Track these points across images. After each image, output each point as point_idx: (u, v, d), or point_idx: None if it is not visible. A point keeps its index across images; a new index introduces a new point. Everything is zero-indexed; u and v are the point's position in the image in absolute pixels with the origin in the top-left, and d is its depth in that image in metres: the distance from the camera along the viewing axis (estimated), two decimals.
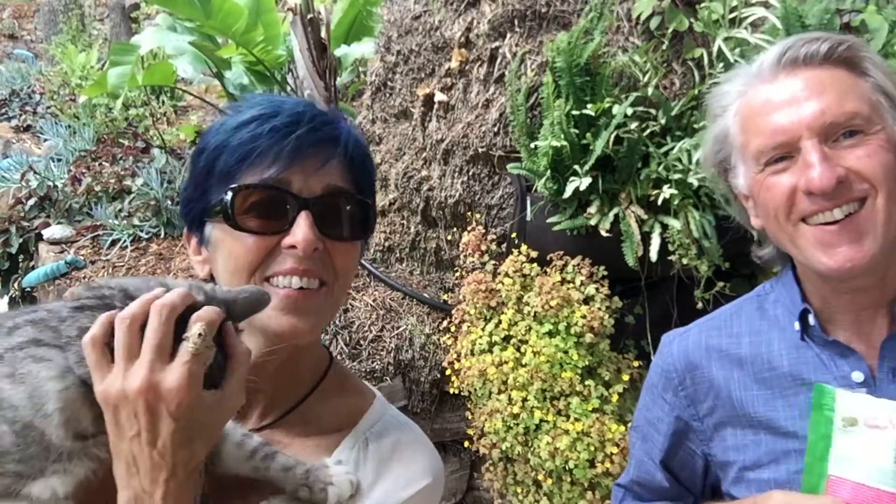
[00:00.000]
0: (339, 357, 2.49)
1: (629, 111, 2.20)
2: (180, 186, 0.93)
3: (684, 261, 2.18)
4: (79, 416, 0.68)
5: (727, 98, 1.09)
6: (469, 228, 2.63)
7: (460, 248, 2.65)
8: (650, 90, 2.26)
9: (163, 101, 6.38)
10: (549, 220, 2.34)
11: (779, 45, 1.02)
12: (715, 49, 2.18)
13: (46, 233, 3.95)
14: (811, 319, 1.05)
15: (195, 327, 0.66)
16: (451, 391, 2.43)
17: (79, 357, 0.67)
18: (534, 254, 2.39)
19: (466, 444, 2.42)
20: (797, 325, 1.06)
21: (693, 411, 1.15)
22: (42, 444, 0.66)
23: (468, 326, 2.40)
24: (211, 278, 0.89)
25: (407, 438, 0.94)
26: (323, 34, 5.00)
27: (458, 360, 2.37)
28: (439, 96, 2.77)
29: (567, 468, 2.06)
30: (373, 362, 2.67)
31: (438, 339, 2.66)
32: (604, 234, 2.24)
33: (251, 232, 0.82)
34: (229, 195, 0.82)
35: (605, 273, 2.30)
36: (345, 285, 0.90)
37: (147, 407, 0.65)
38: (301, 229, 0.81)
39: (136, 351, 0.66)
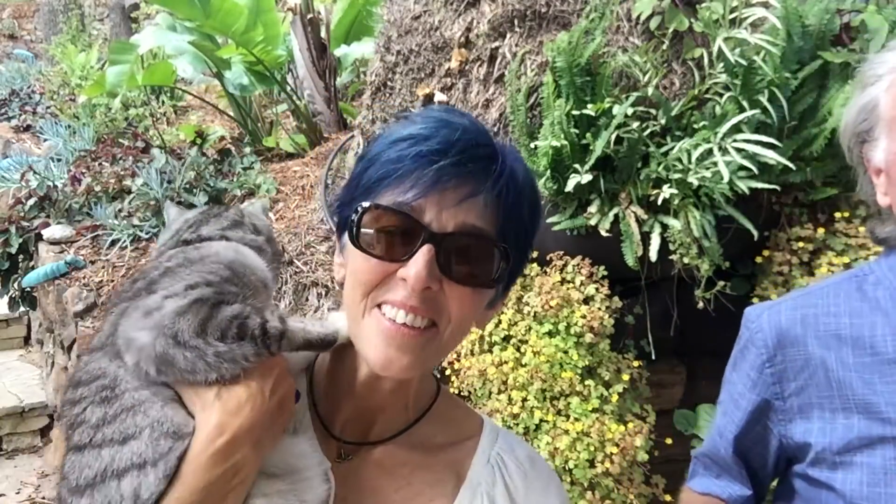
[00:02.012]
0: None
1: (629, 111, 2.20)
2: None
3: (685, 260, 2.18)
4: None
5: (882, 68, 1.05)
6: None
7: None
8: (650, 90, 2.26)
9: (163, 101, 6.38)
10: (549, 220, 2.34)
11: None
12: (715, 49, 2.18)
13: (46, 233, 3.95)
14: None
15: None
16: (451, 391, 2.43)
17: None
18: (533, 254, 2.39)
19: None
20: None
21: (777, 389, 1.13)
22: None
23: None
24: (343, 284, 0.90)
25: (533, 451, 0.99)
26: (323, 34, 5.01)
27: (458, 360, 2.37)
28: (439, 96, 2.77)
29: (567, 468, 2.06)
30: None
31: None
32: (604, 233, 2.24)
33: (370, 254, 0.80)
34: (357, 213, 0.80)
35: (605, 273, 2.30)
36: (458, 332, 0.85)
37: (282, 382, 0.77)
38: (416, 264, 0.76)
39: None
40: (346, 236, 0.85)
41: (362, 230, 0.80)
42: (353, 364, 0.89)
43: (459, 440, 0.95)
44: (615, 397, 2.15)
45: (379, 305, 0.80)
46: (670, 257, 2.21)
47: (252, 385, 0.75)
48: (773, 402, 1.14)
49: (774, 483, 1.26)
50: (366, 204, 0.79)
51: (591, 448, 2.04)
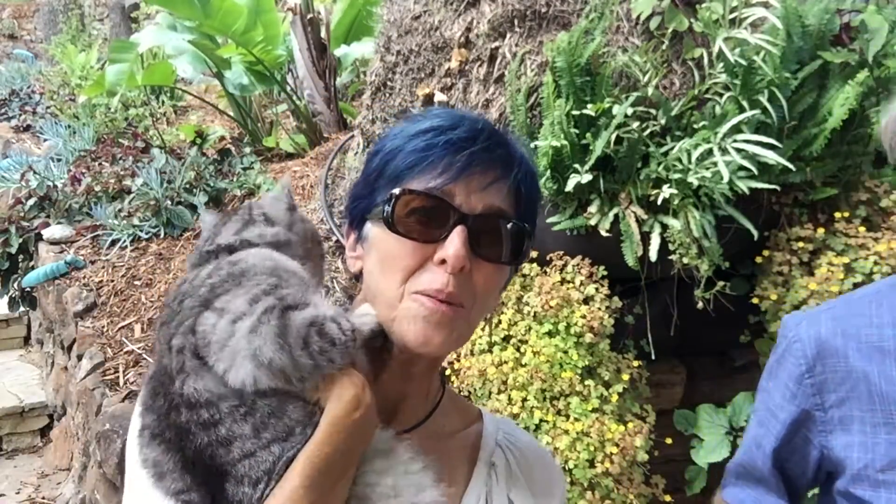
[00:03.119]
0: None
1: (629, 111, 2.20)
2: (349, 187, 0.98)
3: (685, 260, 2.18)
4: None
5: None
6: None
7: None
8: (650, 90, 2.26)
9: (162, 101, 6.38)
10: (549, 220, 2.33)
11: None
12: (715, 49, 2.18)
13: (46, 233, 3.95)
14: None
15: None
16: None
17: None
18: (533, 254, 2.39)
19: None
20: None
21: (818, 401, 1.10)
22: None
23: None
24: (358, 275, 0.92)
25: (532, 438, 1.06)
26: (323, 34, 5.01)
27: (458, 360, 2.37)
28: (439, 96, 2.77)
29: (567, 468, 2.06)
30: None
31: None
32: (603, 233, 2.24)
33: (406, 236, 0.83)
34: (392, 198, 0.83)
35: (605, 273, 2.30)
36: (483, 308, 0.90)
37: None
38: (453, 244, 0.81)
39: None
40: (366, 227, 0.89)
41: (396, 215, 0.83)
42: (381, 354, 0.91)
43: (466, 427, 1.01)
44: (615, 397, 2.15)
45: (415, 293, 0.84)
46: (670, 257, 2.21)
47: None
48: (814, 414, 1.11)
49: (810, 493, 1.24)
50: (397, 191, 0.84)
51: (591, 448, 2.04)
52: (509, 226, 0.86)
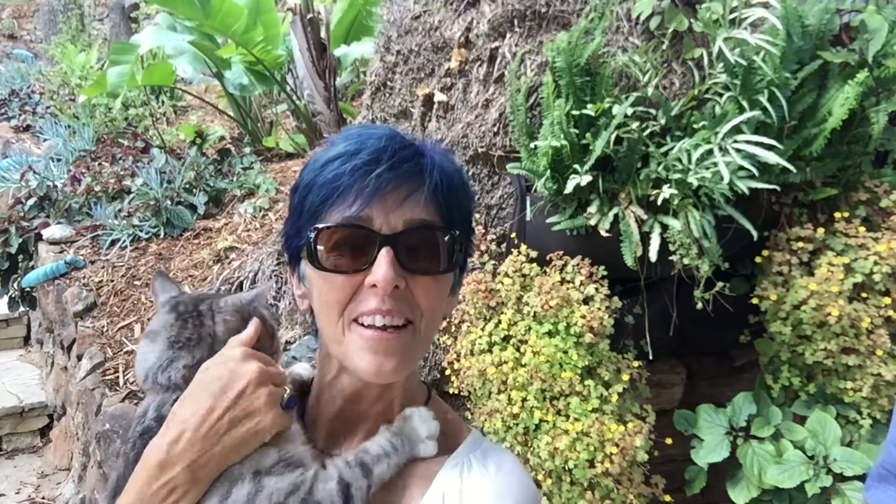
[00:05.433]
0: None
1: (629, 111, 2.20)
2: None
3: (685, 261, 2.18)
4: None
5: None
6: None
7: None
8: (650, 90, 2.26)
9: (162, 101, 6.39)
10: (549, 220, 2.33)
11: None
12: (715, 49, 2.18)
13: (46, 233, 3.96)
14: None
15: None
16: (451, 391, 2.43)
17: None
18: (533, 254, 2.39)
19: None
20: None
21: None
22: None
23: (468, 326, 2.40)
24: (311, 312, 0.92)
25: (509, 461, 0.93)
26: (323, 34, 5.01)
27: (458, 360, 2.37)
28: (439, 96, 2.77)
29: (566, 468, 2.06)
30: None
31: (438, 339, 2.66)
32: (603, 233, 2.24)
33: (334, 271, 0.83)
34: (312, 236, 0.84)
35: (605, 273, 2.30)
36: (433, 323, 0.89)
37: (252, 389, 0.80)
38: (381, 267, 0.81)
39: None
40: (303, 265, 0.89)
41: (319, 253, 0.83)
42: (336, 376, 0.91)
43: (442, 451, 0.91)
44: (615, 397, 2.15)
45: (356, 320, 0.84)
46: (670, 257, 2.21)
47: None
48: None
49: None
50: (318, 227, 0.83)
51: (591, 448, 2.04)
52: (437, 236, 0.86)
